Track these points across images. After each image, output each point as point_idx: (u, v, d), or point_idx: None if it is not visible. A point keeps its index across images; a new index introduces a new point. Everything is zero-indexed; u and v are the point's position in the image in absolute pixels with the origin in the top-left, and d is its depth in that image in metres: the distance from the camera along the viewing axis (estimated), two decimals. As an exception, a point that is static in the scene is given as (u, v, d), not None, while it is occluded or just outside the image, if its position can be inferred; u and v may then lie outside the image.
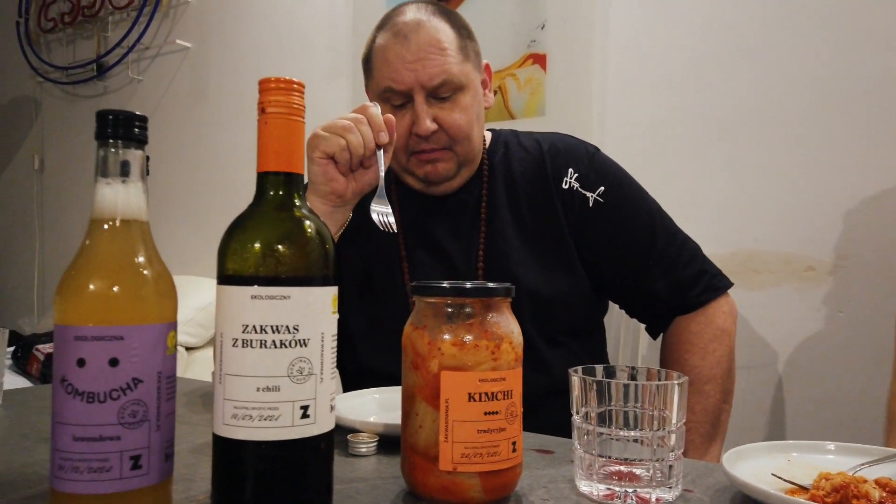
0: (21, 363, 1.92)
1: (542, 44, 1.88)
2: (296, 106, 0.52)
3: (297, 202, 0.52)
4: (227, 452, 0.49)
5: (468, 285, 0.62)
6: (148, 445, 0.45)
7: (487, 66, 1.21)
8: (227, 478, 0.49)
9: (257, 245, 0.49)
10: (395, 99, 1.09)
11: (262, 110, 0.51)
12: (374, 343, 1.13)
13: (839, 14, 1.50)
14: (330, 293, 0.51)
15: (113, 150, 0.47)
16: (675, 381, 0.61)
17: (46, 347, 1.93)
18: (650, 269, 1.13)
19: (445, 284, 0.61)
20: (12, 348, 1.63)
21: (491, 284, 0.62)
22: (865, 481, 0.56)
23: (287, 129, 0.51)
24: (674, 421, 0.61)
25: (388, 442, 0.75)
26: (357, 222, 1.05)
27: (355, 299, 1.17)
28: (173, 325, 0.48)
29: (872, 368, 1.40)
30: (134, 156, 0.48)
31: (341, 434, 0.78)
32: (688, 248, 1.16)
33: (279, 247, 0.49)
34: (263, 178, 0.52)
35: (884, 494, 0.54)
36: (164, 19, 2.81)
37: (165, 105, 2.83)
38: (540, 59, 1.89)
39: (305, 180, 1.10)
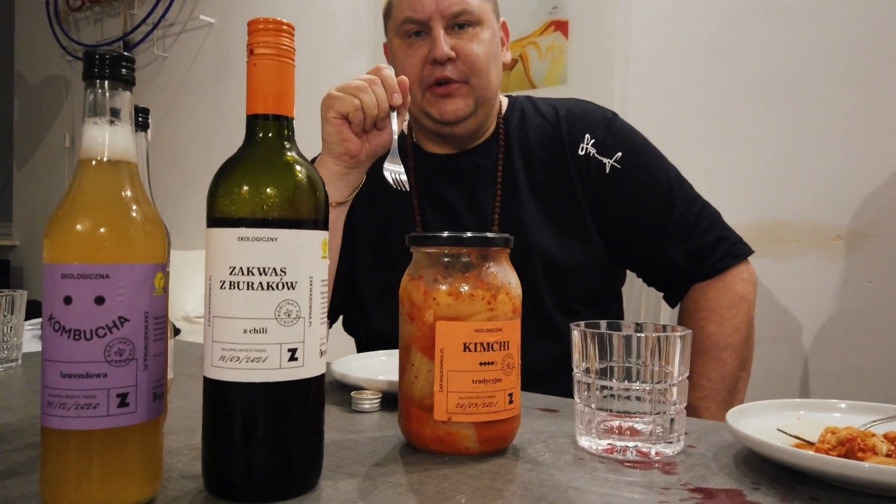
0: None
1: (563, 10, 1.85)
2: (285, 47, 0.51)
3: (288, 145, 0.51)
4: (216, 394, 0.49)
5: (467, 235, 0.61)
6: (135, 384, 0.46)
7: (504, 24, 1.20)
8: (215, 419, 0.49)
9: (244, 187, 0.49)
10: (413, 28, 1.09)
11: (250, 52, 0.51)
12: (385, 308, 1.13)
13: (873, -28, 1.44)
14: (319, 237, 0.50)
15: (100, 90, 0.47)
16: (677, 334, 0.60)
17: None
18: (668, 237, 1.11)
19: (443, 234, 0.60)
20: (40, 319, 1.67)
21: (489, 234, 0.61)
22: (873, 435, 0.54)
23: (276, 71, 0.51)
24: (675, 374, 0.60)
25: (392, 401, 0.75)
26: (371, 186, 1.04)
27: (369, 264, 1.17)
28: (161, 267, 0.48)
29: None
30: (122, 97, 0.48)
31: (345, 392, 0.79)
32: (707, 215, 1.14)
33: (266, 189, 0.48)
34: (253, 121, 0.51)
35: (892, 447, 0.52)
36: (188, -5, 2.83)
37: (190, 81, 2.85)
38: (562, 27, 1.85)
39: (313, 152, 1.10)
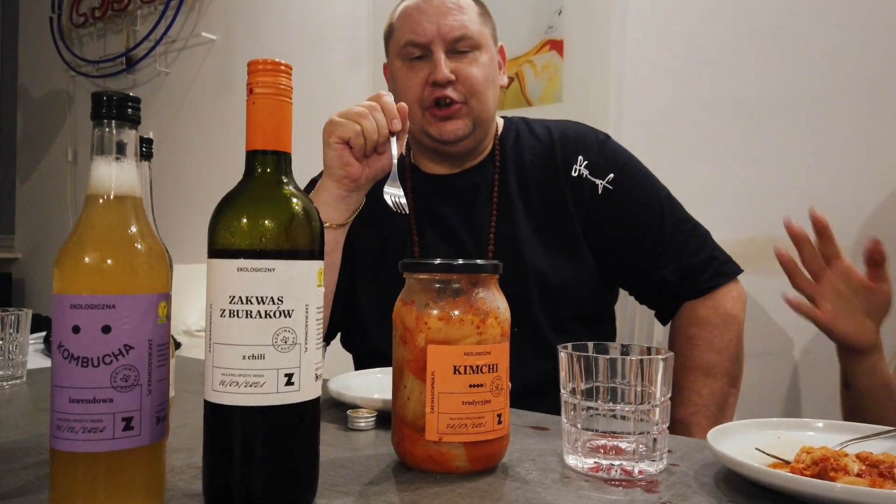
0: (50, 346, 1.99)
1: (559, 30, 1.88)
2: (283, 87, 0.54)
3: (285, 179, 0.54)
4: (216, 417, 0.51)
5: (458, 262, 0.63)
6: (140, 408, 0.48)
7: (502, 48, 1.23)
8: (215, 441, 0.51)
9: (243, 220, 0.51)
10: (415, 52, 1.12)
11: (250, 91, 0.54)
12: (383, 325, 1.15)
13: (859, 1, 1.47)
14: (315, 267, 0.53)
15: (108, 129, 0.50)
16: (660, 357, 0.62)
17: (77, 332, 2.00)
18: (659, 256, 1.14)
19: (435, 261, 0.63)
20: (44, 333, 1.69)
21: (479, 261, 0.64)
22: (846, 455, 0.56)
23: (274, 109, 0.53)
24: (658, 396, 0.62)
25: (387, 418, 0.77)
26: (371, 208, 1.07)
27: (368, 283, 1.19)
28: (165, 296, 0.51)
29: (891, 356, 1.38)
30: (128, 135, 0.50)
31: (342, 410, 0.81)
32: (697, 235, 1.16)
33: (263, 221, 0.51)
34: (252, 156, 0.54)
35: (863, 467, 0.55)
36: (190, 13, 2.87)
37: (192, 97, 2.89)
38: (557, 46, 1.88)
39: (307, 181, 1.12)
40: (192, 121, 2.89)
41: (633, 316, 1.54)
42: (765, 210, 1.58)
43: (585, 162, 1.16)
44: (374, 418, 0.77)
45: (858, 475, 0.54)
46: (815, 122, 1.52)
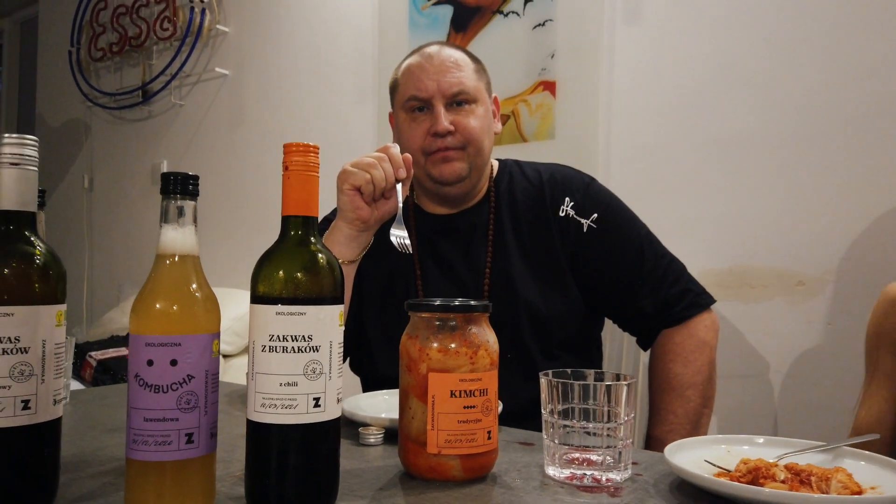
0: (76, 369, 2.11)
1: (552, 72, 2.02)
2: (311, 164, 0.66)
3: (313, 239, 0.66)
4: (257, 434, 0.63)
5: (454, 303, 0.75)
6: (198, 426, 0.60)
7: (496, 99, 1.35)
8: (257, 454, 0.63)
9: (280, 273, 0.64)
10: (417, 105, 1.24)
11: (285, 168, 0.66)
12: (390, 353, 1.27)
13: (827, 47, 1.61)
14: (337, 310, 0.65)
15: (174, 202, 0.62)
16: (624, 383, 0.74)
17: (98, 354, 2.12)
18: (639, 289, 1.25)
19: (435, 302, 0.75)
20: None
21: (472, 302, 0.76)
22: (776, 465, 0.68)
23: (304, 183, 0.66)
24: (622, 415, 0.74)
25: (393, 435, 0.89)
26: (378, 245, 1.19)
27: (375, 312, 1.31)
28: (217, 335, 0.63)
29: (860, 377, 1.49)
30: (189, 206, 0.63)
31: (354, 427, 0.93)
32: (673, 269, 1.28)
33: (297, 275, 0.63)
34: (286, 220, 0.66)
35: (788, 476, 0.66)
36: (205, 49, 3.02)
37: (205, 128, 3.03)
38: (550, 86, 2.02)
39: (321, 218, 1.23)
40: (205, 151, 3.03)
41: (620, 342, 1.66)
42: (742, 241, 1.70)
43: (572, 203, 1.28)
44: (382, 435, 0.89)
45: (783, 482, 0.65)
46: (789, 160, 1.65)
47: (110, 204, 3.44)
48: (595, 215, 1.27)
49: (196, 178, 0.64)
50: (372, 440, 0.88)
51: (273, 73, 2.80)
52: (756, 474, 0.67)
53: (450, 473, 0.72)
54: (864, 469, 0.71)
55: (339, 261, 1.13)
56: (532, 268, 1.27)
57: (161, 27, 3.10)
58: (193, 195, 0.63)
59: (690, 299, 1.26)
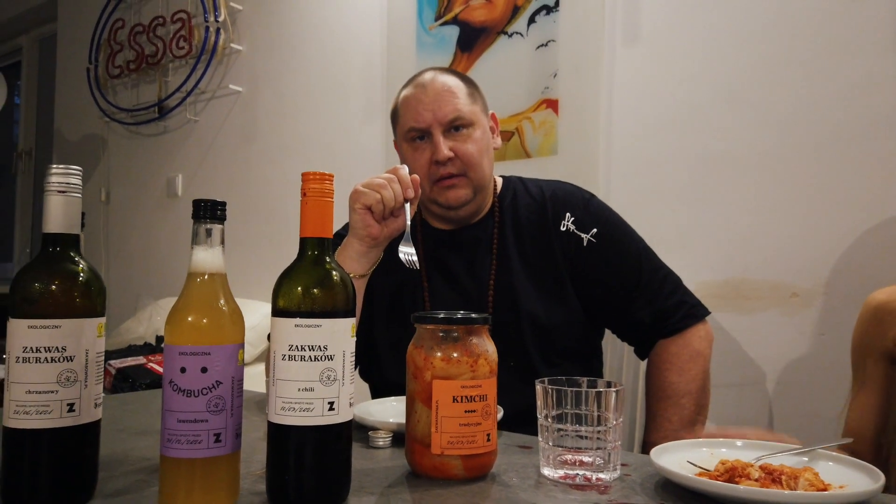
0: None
1: (554, 90, 2.09)
2: (327, 191, 0.73)
3: (328, 258, 0.73)
4: (277, 434, 0.70)
5: (457, 315, 0.82)
6: (225, 426, 0.67)
7: (493, 115, 1.42)
8: (277, 452, 0.70)
9: (299, 289, 0.70)
10: (417, 135, 1.31)
11: (304, 194, 0.73)
12: (397, 361, 1.33)
13: (818, 67, 1.67)
14: (350, 322, 0.72)
15: (204, 226, 0.69)
16: (613, 390, 0.81)
17: (117, 363, 2.19)
18: (636, 300, 1.31)
19: (439, 315, 0.82)
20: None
21: (474, 315, 0.82)
22: (752, 465, 0.74)
23: (321, 207, 0.73)
24: (611, 420, 0.80)
25: (401, 438, 0.95)
26: (388, 259, 1.25)
27: (384, 323, 1.38)
28: (242, 345, 0.70)
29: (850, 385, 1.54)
30: (217, 229, 0.70)
31: (364, 431, 1.00)
32: (670, 282, 1.34)
33: (314, 291, 0.70)
34: (304, 241, 0.73)
35: (762, 475, 0.72)
36: (219, 66, 3.11)
37: (219, 143, 3.12)
38: (553, 104, 2.09)
39: (333, 233, 1.30)
40: (219, 165, 3.12)
41: (622, 352, 1.72)
42: (737, 255, 1.76)
43: (573, 218, 1.35)
44: (390, 438, 0.96)
45: (756, 480, 0.71)
46: (783, 174, 1.71)
47: (127, 216, 3.53)
48: (595, 230, 1.33)
49: (223, 204, 0.71)
50: (381, 443, 0.95)
51: (285, 91, 2.89)
52: (733, 473, 0.73)
53: (452, 472, 0.79)
54: (834, 470, 0.77)
55: (351, 275, 1.21)
56: (534, 280, 1.33)
57: (177, 46, 3.20)
58: (221, 219, 0.70)
59: (685, 311, 1.32)
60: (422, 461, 0.80)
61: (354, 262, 1.21)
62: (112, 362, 2.18)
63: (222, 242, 0.71)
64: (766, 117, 1.73)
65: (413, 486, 0.77)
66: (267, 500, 0.71)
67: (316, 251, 0.73)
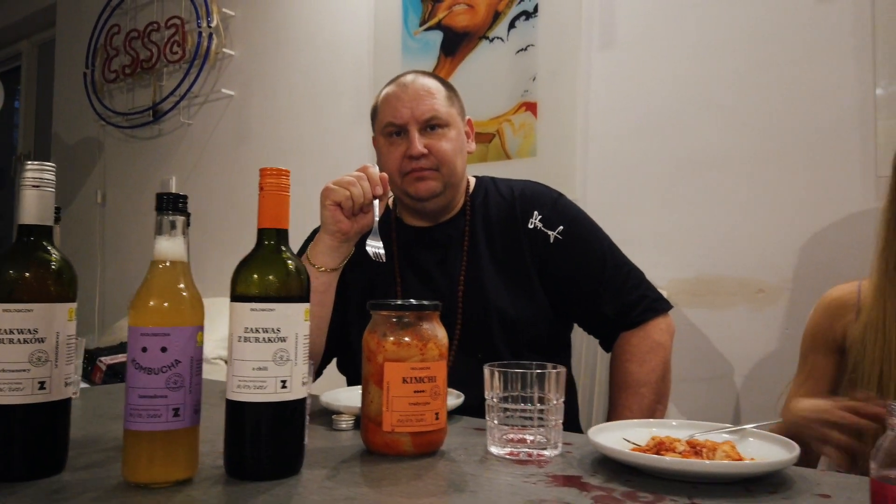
0: (87, 372, 2.24)
1: (533, 93, 2.14)
2: (283, 185, 0.79)
3: (283, 248, 0.79)
4: (234, 411, 0.75)
5: (410, 302, 0.87)
6: (184, 402, 0.72)
7: (470, 121, 1.48)
8: (233, 428, 0.75)
9: (255, 276, 0.76)
10: (394, 130, 1.37)
11: (261, 188, 0.79)
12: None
13: (784, 73, 1.72)
14: (303, 307, 0.77)
15: (166, 217, 0.75)
16: (553, 371, 0.86)
17: (108, 359, 2.25)
18: (601, 295, 1.36)
19: (392, 302, 0.87)
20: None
21: (424, 302, 0.88)
22: (679, 441, 0.79)
23: (277, 201, 0.79)
24: (553, 400, 0.86)
25: (362, 420, 1.00)
26: (362, 255, 1.31)
27: (358, 317, 1.43)
28: (201, 328, 0.75)
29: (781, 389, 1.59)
30: (178, 220, 0.75)
31: (329, 415, 1.05)
32: (633, 277, 1.39)
33: (268, 277, 0.76)
34: (261, 232, 0.79)
35: (687, 449, 0.78)
36: (212, 71, 3.17)
37: (212, 146, 3.18)
38: (532, 107, 2.15)
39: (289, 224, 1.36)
40: (212, 168, 3.18)
41: (595, 345, 1.77)
42: (708, 252, 1.81)
43: (540, 216, 1.40)
44: (353, 421, 1.01)
45: (681, 453, 0.77)
46: (750, 176, 1.76)
47: (122, 218, 3.59)
48: (561, 227, 1.39)
49: (185, 197, 0.76)
50: (344, 426, 1.00)
51: (276, 95, 2.95)
52: (660, 447, 0.78)
53: (402, 448, 0.84)
54: (758, 445, 0.82)
55: (322, 268, 1.27)
56: (503, 276, 1.38)
57: (171, 51, 3.26)
58: (183, 211, 0.76)
59: (647, 304, 1.37)
60: (374, 438, 0.85)
61: (326, 257, 1.26)
62: (103, 359, 2.23)
63: (185, 233, 0.76)
64: (735, 120, 1.79)
65: (365, 462, 0.83)
66: (225, 473, 0.76)
67: (272, 241, 0.78)
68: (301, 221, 1.29)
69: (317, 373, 1.43)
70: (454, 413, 1.11)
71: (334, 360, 1.50)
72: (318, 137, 2.79)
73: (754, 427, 0.87)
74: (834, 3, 1.67)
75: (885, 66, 1.60)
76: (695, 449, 0.77)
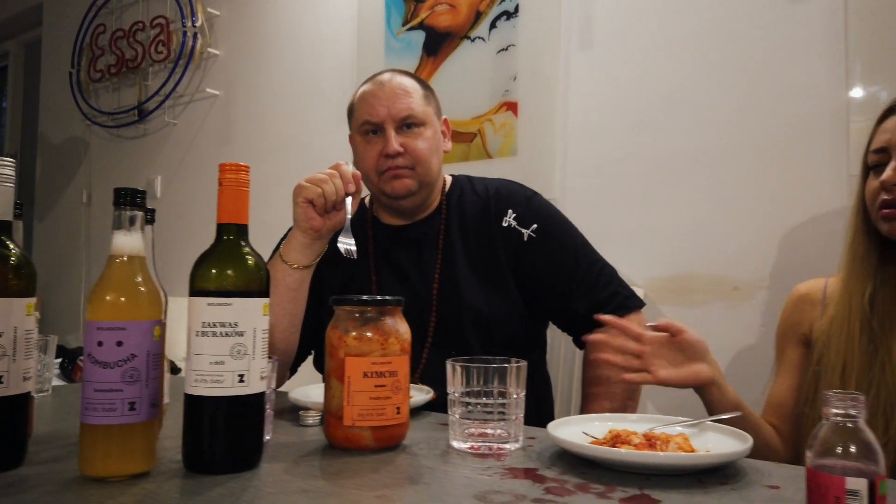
0: (67, 372, 2.23)
1: (514, 93, 2.15)
2: (242, 181, 0.79)
3: (243, 242, 0.79)
4: (191, 405, 0.75)
5: (373, 298, 0.88)
6: (140, 396, 0.72)
7: (446, 120, 1.48)
8: (191, 421, 0.76)
9: (213, 271, 0.76)
10: (370, 128, 1.37)
11: (220, 183, 0.79)
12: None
13: (759, 71, 1.74)
14: (261, 302, 0.78)
15: (124, 211, 0.75)
16: (514, 366, 0.86)
17: (89, 359, 2.24)
18: (573, 293, 1.37)
19: (353, 297, 0.88)
20: (59, 360, 1.94)
21: (387, 297, 0.88)
22: (635, 433, 0.80)
23: (236, 196, 0.79)
24: (513, 394, 0.86)
25: (329, 416, 1.01)
26: (337, 252, 1.31)
27: (332, 314, 1.43)
28: (158, 322, 0.75)
29: (764, 385, 1.60)
30: (136, 215, 0.76)
31: (298, 411, 1.05)
32: (605, 274, 1.40)
33: (226, 272, 0.76)
34: (220, 227, 0.79)
35: (642, 441, 0.78)
36: (197, 70, 3.17)
37: (196, 145, 3.18)
38: (512, 107, 2.15)
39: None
40: (197, 167, 3.18)
41: (569, 342, 1.77)
42: (684, 251, 1.82)
43: (514, 214, 1.41)
44: (320, 417, 1.01)
45: (636, 446, 0.77)
46: (725, 175, 1.77)
47: (108, 218, 3.52)
48: (535, 226, 1.39)
49: (143, 192, 0.77)
50: (310, 421, 1.01)
51: (260, 94, 2.95)
52: (617, 440, 0.79)
53: (363, 443, 0.84)
54: (715, 438, 0.83)
55: (295, 265, 1.27)
56: (477, 274, 1.39)
57: (156, 50, 3.26)
58: (141, 206, 0.76)
59: (619, 301, 1.38)
60: (335, 433, 0.85)
61: (298, 254, 1.26)
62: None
63: (142, 228, 0.77)
64: (711, 120, 1.80)
65: (325, 455, 0.83)
66: (183, 467, 0.76)
67: (231, 236, 0.79)
68: (286, 221, 1.29)
69: (292, 370, 1.44)
70: (424, 409, 1.11)
71: (310, 358, 1.50)
72: (302, 136, 2.79)
73: (712, 420, 0.88)
74: (807, 4, 1.68)
75: (858, 69, 1.61)
76: (650, 442, 0.78)
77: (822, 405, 0.55)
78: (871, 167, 1.11)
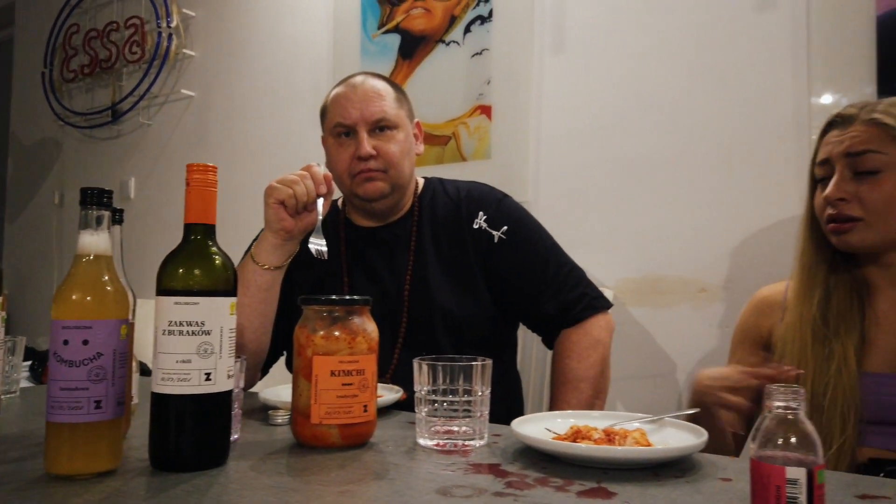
0: (37, 374, 2.22)
1: (488, 97, 2.18)
2: (210, 181, 0.80)
3: (210, 242, 0.80)
4: (158, 403, 0.76)
5: (343, 297, 0.89)
6: (106, 394, 0.73)
7: (418, 123, 1.50)
8: (157, 420, 0.76)
9: (180, 270, 0.77)
10: (343, 130, 1.38)
11: (188, 183, 0.80)
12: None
13: (724, 77, 1.78)
14: (228, 301, 0.79)
15: (90, 211, 0.76)
16: (478, 364, 0.88)
17: (60, 361, 2.22)
18: (543, 294, 1.39)
19: (321, 297, 0.89)
20: (30, 362, 1.93)
21: (356, 297, 0.90)
22: (595, 429, 0.82)
23: (203, 196, 0.80)
24: (479, 392, 0.88)
25: (298, 415, 1.02)
26: (309, 254, 1.32)
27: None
28: (125, 321, 0.76)
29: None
30: (103, 215, 0.76)
31: (268, 410, 1.06)
32: (574, 275, 1.42)
33: (193, 271, 0.77)
34: (188, 227, 0.80)
35: (601, 437, 0.81)
36: (172, 71, 3.15)
37: (171, 147, 3.16)
38: (486, 110, 2.18)
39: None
40: (171, 168, 3.16)
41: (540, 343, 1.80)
42: (654, 252, 1.86)
43: (485, 217, 1.43)
44: (288, 416, 1.02)
45: (595, 441, 0.80)
46: (693, 179, 1.81)
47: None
48: (505, 227, 1.41)
49: (110, 192, 0.77)
50: (279, 420, 1.02)
51: (236, 96, 2.95)
52: (577, 436, 0.81)
53: (330, 440, 0.86)
54: (673, 433, 0.85)
55: (266, 266, 1.28)
56: (448, 275, 1.41)
57: (130, 50, 3.24)
58: (108, 206, 0.77)
59: (587, 302, 1.40)
60: (303, 431, 0.86)
61: (270, 255, 1.27)
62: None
63: (109, 228, 0.77)
64: (679, 125, 1.84)
65: (293, 453, 0.84)
66: (150, 463, 0.77)
67: (199, 236, 0.80)
68: (260, 222, 1.30)
69: (263, 371, 1.44)
70: (394, 408, 1.13)
71: (282, 360, 1.51)
72: (278, 138, 2.79)
73: (671, 416, 0.91)
74: (772, 13, 1.73)
75: (820, 77, 1.66)
76: (609, 437, 0.80)
77: (764, 398, 0.57)
78: (818, 180, 1.14)
